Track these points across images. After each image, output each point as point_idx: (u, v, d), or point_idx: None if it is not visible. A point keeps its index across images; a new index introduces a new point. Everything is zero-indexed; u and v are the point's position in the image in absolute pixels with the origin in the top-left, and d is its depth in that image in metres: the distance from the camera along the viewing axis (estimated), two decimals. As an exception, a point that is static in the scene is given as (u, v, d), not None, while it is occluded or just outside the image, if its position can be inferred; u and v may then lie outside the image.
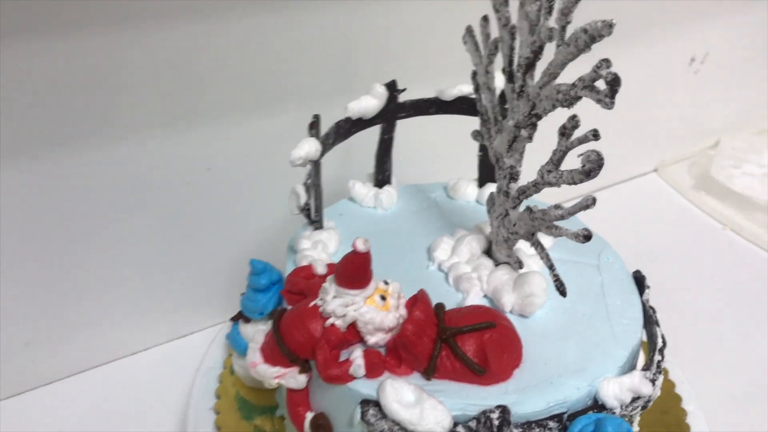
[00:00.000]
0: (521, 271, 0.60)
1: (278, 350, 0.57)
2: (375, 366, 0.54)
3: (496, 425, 0.51)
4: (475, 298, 0.60)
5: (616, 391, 0.53)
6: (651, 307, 0.63)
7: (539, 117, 0.53)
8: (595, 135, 0.46)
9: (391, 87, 0.69)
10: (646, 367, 0.55)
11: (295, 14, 0.77)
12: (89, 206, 0.76)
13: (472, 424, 0.51)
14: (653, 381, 0.55)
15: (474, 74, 0.62)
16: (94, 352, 0.85)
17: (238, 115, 0.80)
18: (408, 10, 0.84)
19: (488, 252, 0.64)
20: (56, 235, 0.76)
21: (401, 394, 0.52)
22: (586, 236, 0.49)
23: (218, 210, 0.85)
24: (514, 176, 0.57)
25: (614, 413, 0.54)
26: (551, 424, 0.52)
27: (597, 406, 0.53)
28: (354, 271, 0.54)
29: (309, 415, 0.58)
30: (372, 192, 0.74)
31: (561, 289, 0.53)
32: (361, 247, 0.53)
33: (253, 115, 0.81)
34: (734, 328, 0.85)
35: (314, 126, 0.63)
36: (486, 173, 0.74)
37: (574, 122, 0.48)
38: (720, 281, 0.96)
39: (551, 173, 0.52)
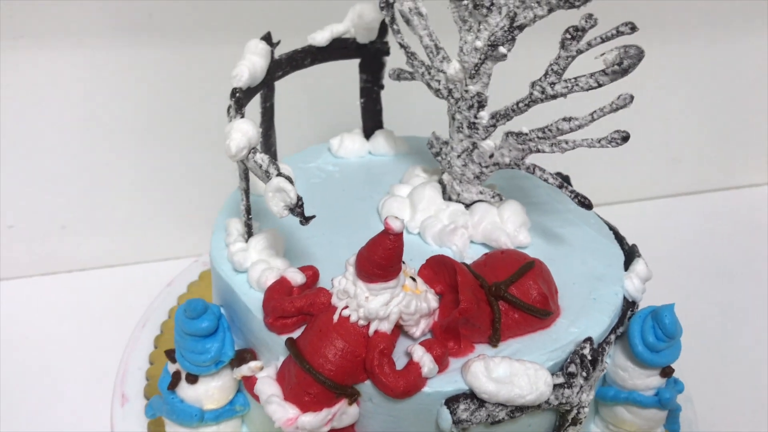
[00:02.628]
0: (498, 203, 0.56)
1: (318, 389, 0.44)
2: (443, 357, 0.45)
3: (590, 359, 0.47)
4: (465, 248, 0.55)
5: (637, 284, 0.54)
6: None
7: (522, 28, 0.48)
8: (633, 28, 0.43)
9: (268, 41, 0.56)
10: (638, 254, 0.57)
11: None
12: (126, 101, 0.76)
13: (573, 368, 0.46)
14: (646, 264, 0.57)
15: (386, 2, 0.54)
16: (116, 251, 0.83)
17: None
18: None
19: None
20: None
21: (492, 370, 0.45)
22: (625, 138, 0.47)
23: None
24: (482, 103, 0.52)
25: (638, 305, 0.55)
26: (611, 337, 0.51)
27: (628, 304, 0.53)
28: (391, 258, 0.44)
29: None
30: (266, 175, 0.60)
31: (586, 203, 0.50)
32: (397, 225, 0.43)
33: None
34: None
35: (240, 103, 0.47)
36: (371, 121, 0.66)
37: (592, 21, 0.44)
38: None
39: (556, 85, 0.48)
